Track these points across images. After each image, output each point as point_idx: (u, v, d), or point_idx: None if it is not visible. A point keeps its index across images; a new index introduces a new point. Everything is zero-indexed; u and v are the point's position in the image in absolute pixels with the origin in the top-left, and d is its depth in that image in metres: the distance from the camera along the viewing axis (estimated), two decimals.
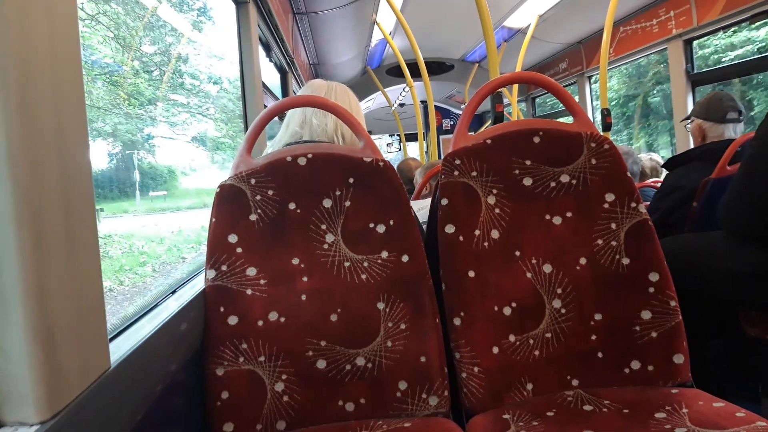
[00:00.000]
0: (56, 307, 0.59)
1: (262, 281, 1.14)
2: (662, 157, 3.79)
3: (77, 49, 0.67)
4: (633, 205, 1.22)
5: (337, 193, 1.19)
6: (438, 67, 8.27)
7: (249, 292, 1.13)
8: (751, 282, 1.56)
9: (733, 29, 5.35)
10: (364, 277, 1.17)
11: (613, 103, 9.99)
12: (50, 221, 0.59)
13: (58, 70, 0.62)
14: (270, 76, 3.62)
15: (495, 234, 1.22)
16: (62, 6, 0.64)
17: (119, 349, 0.75)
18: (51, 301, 0.58)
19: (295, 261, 1.16)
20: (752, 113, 7.25)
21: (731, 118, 2.33)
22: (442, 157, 1.29)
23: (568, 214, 1.24)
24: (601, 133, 1.26)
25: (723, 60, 6.96)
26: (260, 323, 1.13)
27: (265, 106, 2.35)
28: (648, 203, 2.51)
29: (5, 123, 0.53)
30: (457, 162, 1.24)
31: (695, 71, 4.32)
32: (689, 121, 2.47)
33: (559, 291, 1.20)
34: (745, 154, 1.58)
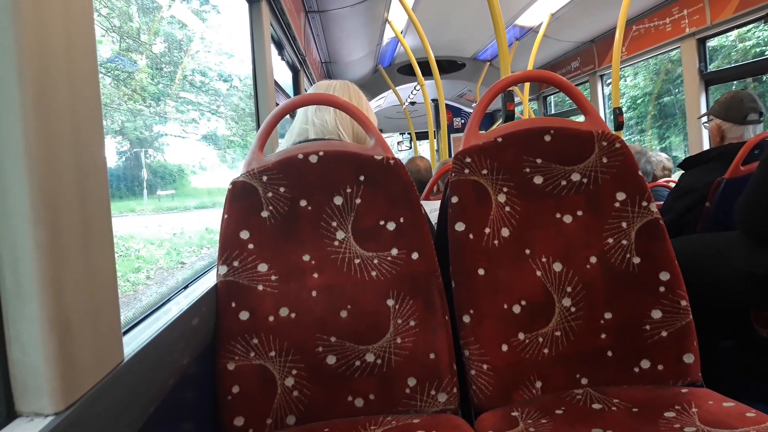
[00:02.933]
0: (71, 301, 0.60)
1: (273, 277, 1.15)
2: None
3: (93, 46, 0.68)
4: (644, 204, 1.22)
5: (348, 190, 1.20)
6: (449, 66, 8.26)
7: (260, 287, 1.14)
8: (765, 283, 1.55)
9: None
10: (374, 274, 1.17)
11: (638, 101, 9.83)
12: (66, 216, 0.60)
13: (74, 67, 0.63)
14: (282, 74, 3.64)
15: (505, 232, 1.22)
16: (78, 3, 0.65)
17: (132, 343, 0.76)
18: (66, 295, 0.59)
19: (306, 257, 1.17)
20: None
21: (752, 120, 2.27)
22: (453, 155, 1.29)
23: (579, 213, 1.23)
24: (613, 132, 1.26)
25: (767, 52, 6.69)
26: (271, 319, 1.13)
27: (277, 104, 2.36)
28: (660, 203, 2.48)
29: (22, 120, 0.54)
30: (468, 160, 1.24)
31: (709, 70, 4.29)
32: (707, 119, 2.42)
33: (569, 289, 1.20)
34: (764, 155, 1.56)
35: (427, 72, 5.50)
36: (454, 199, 1.22)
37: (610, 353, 1.18)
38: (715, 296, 1.71)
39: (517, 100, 6.93)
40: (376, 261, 1.18)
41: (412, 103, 10.31)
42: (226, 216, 1.17)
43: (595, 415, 1.05)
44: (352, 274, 1.17)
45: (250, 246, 1.16)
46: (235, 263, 1.15)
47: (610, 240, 1.22)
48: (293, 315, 1.14)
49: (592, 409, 1.07)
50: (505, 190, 1.24)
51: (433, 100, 7.20)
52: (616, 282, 1.20)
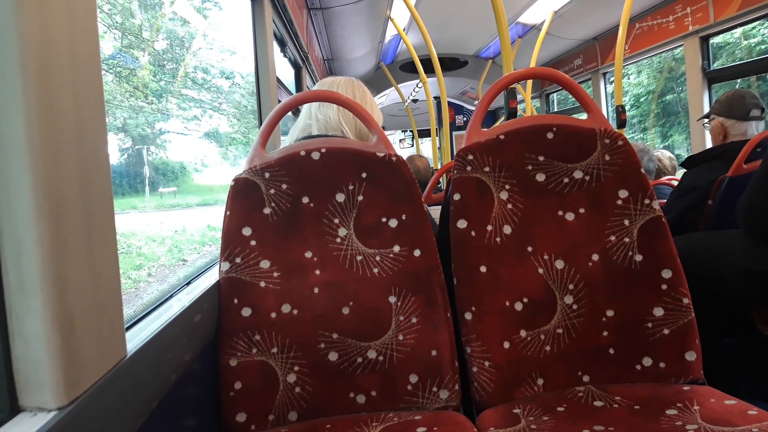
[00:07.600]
0: (75, 296, 0.60)
1: (275, 274, 1.16)
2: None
3: (96, 42, 0.68)
4: (646, 201, 1.22)
5: (350, 187, 1.20)
6: (452, 63, 8.26)
7: (262, 284, 1.15)
8: (767, 281, 1.55)
9: None
10: (376, 270, 1.17)
11: (641, 99, 9.78)
12: (69, 212, 0.60)
13: (77, 64, 0.63)
14: (284, 71, 3.63)
15: (507, 229, 1.22)
16: (81, 0, 0.65)
17: (135, 338, 0.76)
18: (70, 290, 0.59)
19: (308, 254, 1.17)
20: None
21: (754, 116, 2.28)
22: (455, 152, 1.30)
23: (581, 210, 1.23)
24: (616, 130, 1.26)
25: None
26: (273, 315, 1.14)
27: (280, 101, 2.36)
28: (663, 200, 2.48)
29: (26, 116, 0.54)
30: (470, 157, 1.24)
31: (713, 68, 4.28)
32: (707, 119, 2.43)
33: (571, 287, 1.20)
34: (766, 152, 1.56)
35: (429, 69, 5.49)
36: (456, 197, 1.22)
37: (611, 351, 1.18)
38: (717, 294, 1.71)
39: (519, 97, 6.93)
40: (378, 258, 1.18)
41: (415, 101, 10.30)
42: (228, 213, 1.17)
43: (597, 412, 1.05)
44: (354, 270, 1.17)
45: (253, 242, 1.16)
46: (238, 260, 1.15)
47: (612, 237, 1.21)
48: (295, 311, 1.15)
49: (594, 406, 1.07)
50: (507, 187, 1.24)
51: (435, 98, 7.19)
52: (618, 279, 1.20)
